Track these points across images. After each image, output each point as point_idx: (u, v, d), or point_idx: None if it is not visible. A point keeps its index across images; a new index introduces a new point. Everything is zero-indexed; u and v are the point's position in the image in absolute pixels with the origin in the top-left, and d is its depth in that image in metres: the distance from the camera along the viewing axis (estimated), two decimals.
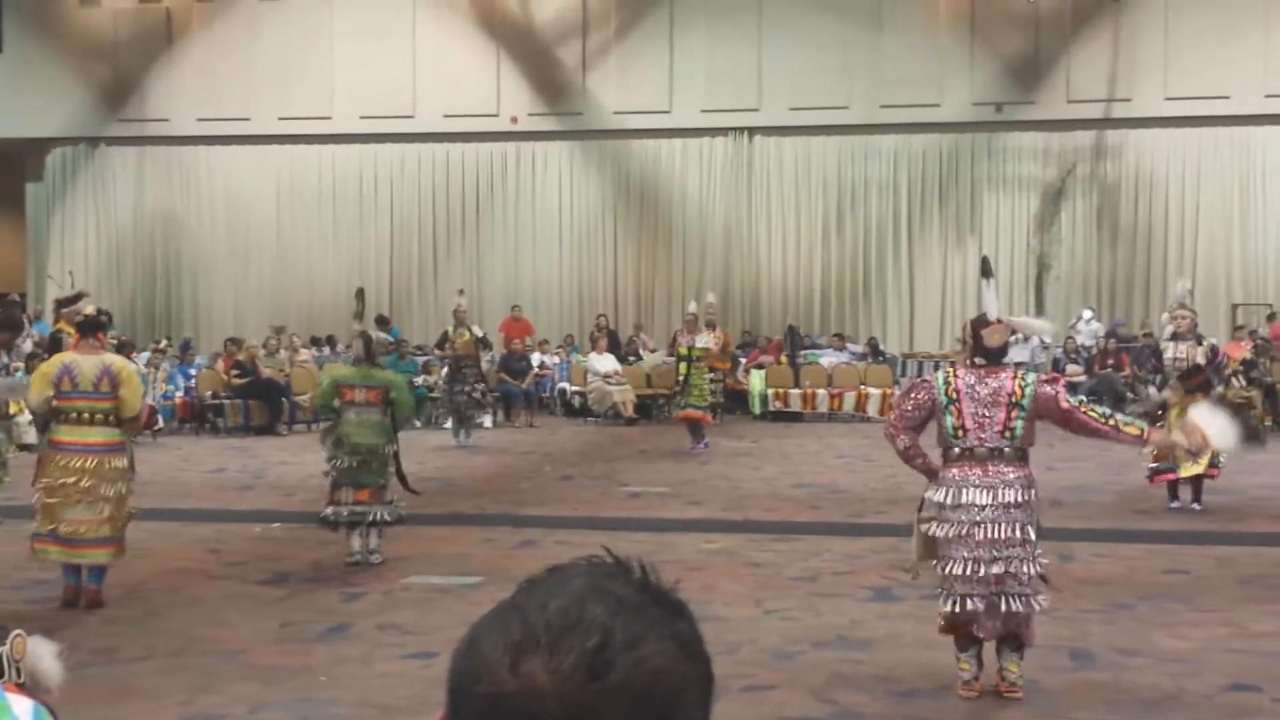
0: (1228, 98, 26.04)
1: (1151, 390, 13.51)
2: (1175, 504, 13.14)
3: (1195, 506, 13.05)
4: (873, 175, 27.87)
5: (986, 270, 8.13)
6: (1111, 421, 7.41)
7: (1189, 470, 12.80)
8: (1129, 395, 23.69)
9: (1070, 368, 24.31)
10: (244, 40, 28.87)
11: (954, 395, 7.11)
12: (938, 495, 7.17)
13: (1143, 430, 7.59)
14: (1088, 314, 26.11)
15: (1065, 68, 26.87)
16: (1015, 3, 26.33)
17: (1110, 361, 24.03)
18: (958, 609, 7.03)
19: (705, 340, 18.50)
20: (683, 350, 18.29)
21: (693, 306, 19.44)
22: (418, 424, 22.28)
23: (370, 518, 10.60)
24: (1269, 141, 26.44)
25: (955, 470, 7.12)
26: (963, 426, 7.07)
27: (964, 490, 7.06)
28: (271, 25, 28.78)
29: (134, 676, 7.51)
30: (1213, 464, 12.69)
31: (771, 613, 9.01)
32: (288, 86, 28.59)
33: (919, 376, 7.59)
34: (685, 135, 28.19)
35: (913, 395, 7.29)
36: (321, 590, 9.77)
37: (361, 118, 28.54)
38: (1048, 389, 7.20)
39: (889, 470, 15.66)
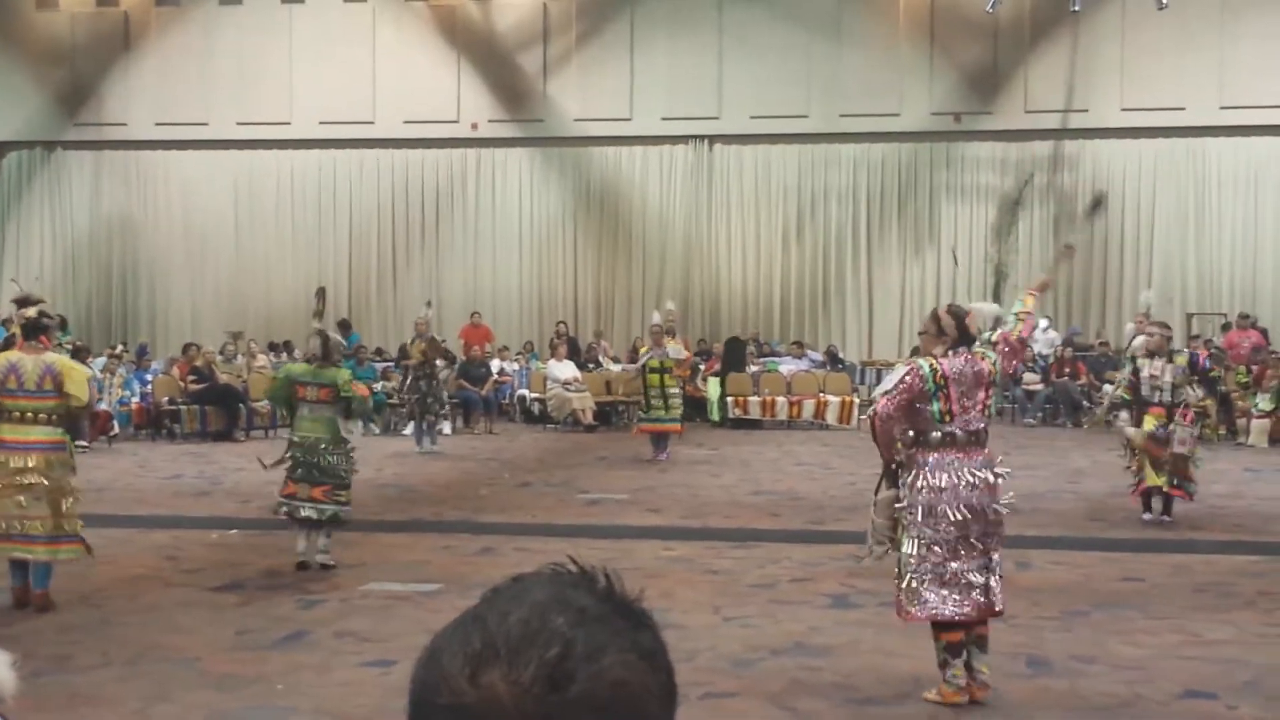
0: (1183, 109, 26.29)
1: (1123, 417, 13.48)
2: (1148, 516, 13.10)
3: (1165, 518, 13.03)
4: (832, 184, 27.98)
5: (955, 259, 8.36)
6: (1017, 329, 7.76)
7: (1154, 480, 12.84)
8: (1085, 403, 23.90)
9: (1027, 376, 24.46)
10: (202, 45, 28.73)
11: (941, 381, 7.24)
12: (921, 480, 7.20)
13: (1021, 315, 7.82)
14: (1044, 323, 26.25)
15: (1023, 78, 27.06)
16: (974, 14, 26.49)
17: (1067, 370, 24.18)
18: (938, 597, 7.08)
19: (676, 351, 18.53)
20: (654, 363, 18.26)
21: (656, 317, 19.43)
22: (374, 426, 22.23)
23: (320, 516, 10.62)
24: (1224, 152, 26.71)
25: (936, 455, 7.22)
26: (949, 411, 7.21)
27: (950, 473, 7.18)
28: (230, 30, 28.64)
29: (89, 684, 7.45)
30: (1177, 485, 12.75)
31: (730, 620, 9.02)
32: (246, 91, 28.47)
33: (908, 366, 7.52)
34: (646, 143, 28.23)
35: (906, 380, 7.30)
36: (278, 597, 9.72)
37: (320, 123, 28.44)
38: (1003, 351, 7.53)
39: (848, 478, 15.74)
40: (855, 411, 23.21)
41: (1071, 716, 6.98)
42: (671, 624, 8.66)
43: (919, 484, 7.21)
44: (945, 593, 7.12)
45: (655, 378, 18.23)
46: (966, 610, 7.13)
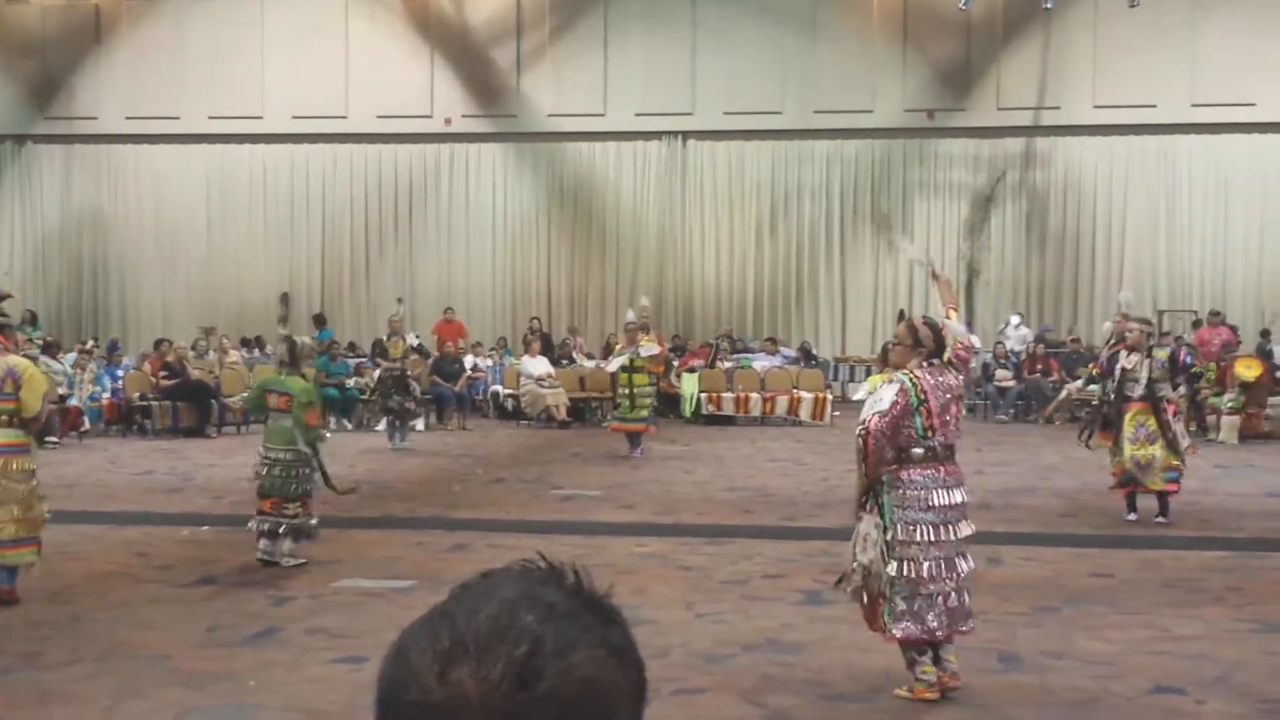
0: (1154, 106, 26.44)
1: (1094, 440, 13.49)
2: (1131, 516, 12.97)
3: (1160, 520, 12.87)
4: (806, 180, 28.04)
5: (911, 254, 8.33)
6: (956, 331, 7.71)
7: (1156, 485, 12.79)
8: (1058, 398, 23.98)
9: (999, 373, 24.56)
10: (173, 39, 28.60)
11: (923, 395, 7.18)
12: (903, 497, 7.18)
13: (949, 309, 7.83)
14: (1015, 319, 26.39)
15: (996, 76, 27.16)
16: (947, 11, 26.57)
17: (1039, 366, 24.28)
18: (925, 617, 7.07)
19: (648, 349, 18.49)
20: (627, 361, 18.26)
21: (631, 315, 19.42)
22: (347, 423, 22.18)
23: (279, 529, 10.59)
24: (1194, 150, 26.86)
25: (920, 472, 7.17)
26: (932, 426, 7.16)
27: (935, 492, 7.16)
28: (201, 24, 28.53)
29: (59, 681, 7.42)
30: (1171, 479, 12.74)
31: (702, 616, 9.03)
32: (218, 85, 28.36)
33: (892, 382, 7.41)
34: (619, 139, 28.23)
35: (899, 400, 7.19)
36: (250, 594, 9.69)
37: (293, 118, 28.36)
38: (959, 363, 7.46)
39: (821, 474, 15.78)
40: (829, 408, 23.26)
41: (1041, 712, 7.01)
42: (644, 620, 8.66)
43: (906, 503, 7.15)
44: (926, 613, 7.10)
45: (625, 376, 18.23)
46: (941, 633, 7.13)
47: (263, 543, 10.67)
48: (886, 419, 7.13)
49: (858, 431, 7.19)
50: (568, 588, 1.16)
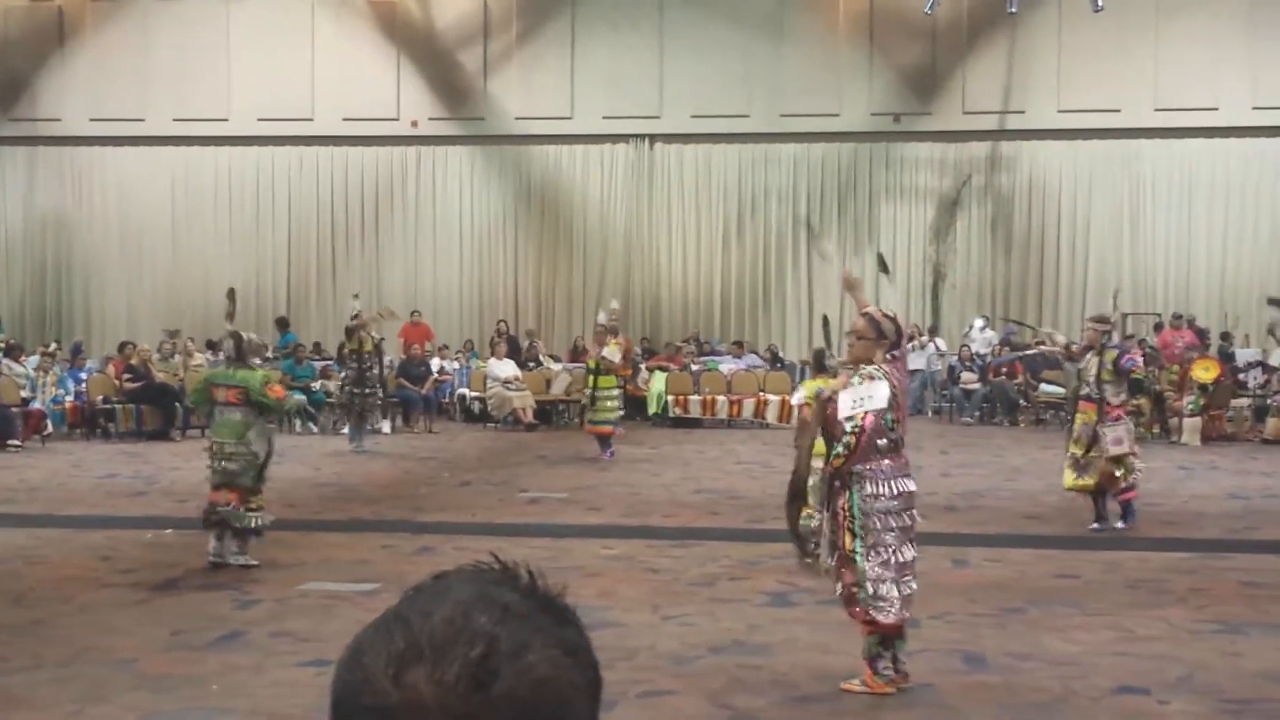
0: (1118, 111, 26.60)
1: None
2: (1095, 526, 12.86)
3: (1120, 525, 12.69)
4: (773, 183, 28.09)
5: (884, 266, 8.36)
6: None
7: (1073, 483, 12.76)
8: (1022, 402, 24.13)
9: (965, 375, 24.66)
10: (138, 40, 28.46)
11: (895, 389, 7.29)
12: (880, 489, 7.24)
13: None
14: (980, 323, 26.49)
15: (961, 80, 27.28)
16: (913, 16, 26.67)
17: (1004, 369, 24.39)
18: (902, 602, 7.17)
19: (611, 353, 18.50)
20: (591, 364, 18.32)
21: (602, 317, 19.43)
22: (313, 426, 22.09)
23: (234, 523, 10.59)
24: (1158, 154, 27.04)
25: (887, 461, 7.28)
26: (899, 419, 7.26)
27: (899, 480, 7.29)
28: (167, 25, 28.39)
29: (22, 686, 7.37)
30: (1129, 487, 12.72)
31: (669, 618, 9.04)
32: (183, 87, 28.23)
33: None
34: (586, 141, 28.23)
35: (894, 398, 7.31)
36: (214, 597, 9.64)
37: (259, 119, 28.25)
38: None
39: (787, 476, 15.78)
40: (795, 411, 23.26)
41: (1006, 712, 7.04)
42: (611, 622, 8.67)
43: (878, 493, 7.22)
44: (899, 597, 7.20)
45: (590, 379, 18.29)
46: (908, 614, 7.26)
47: (212, 545, 10.66)
48: (877, 415, 7.20)
49: (849, 428, 7.17)
50: (522, 588, 1.15)
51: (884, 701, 7.17)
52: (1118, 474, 12.57)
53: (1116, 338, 14.69)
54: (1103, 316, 13.75)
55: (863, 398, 7.22)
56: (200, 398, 11.31)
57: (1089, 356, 12.89)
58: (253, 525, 10.75)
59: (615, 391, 18.68)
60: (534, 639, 1.10)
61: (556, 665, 1.10)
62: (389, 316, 21.67)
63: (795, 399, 11.04)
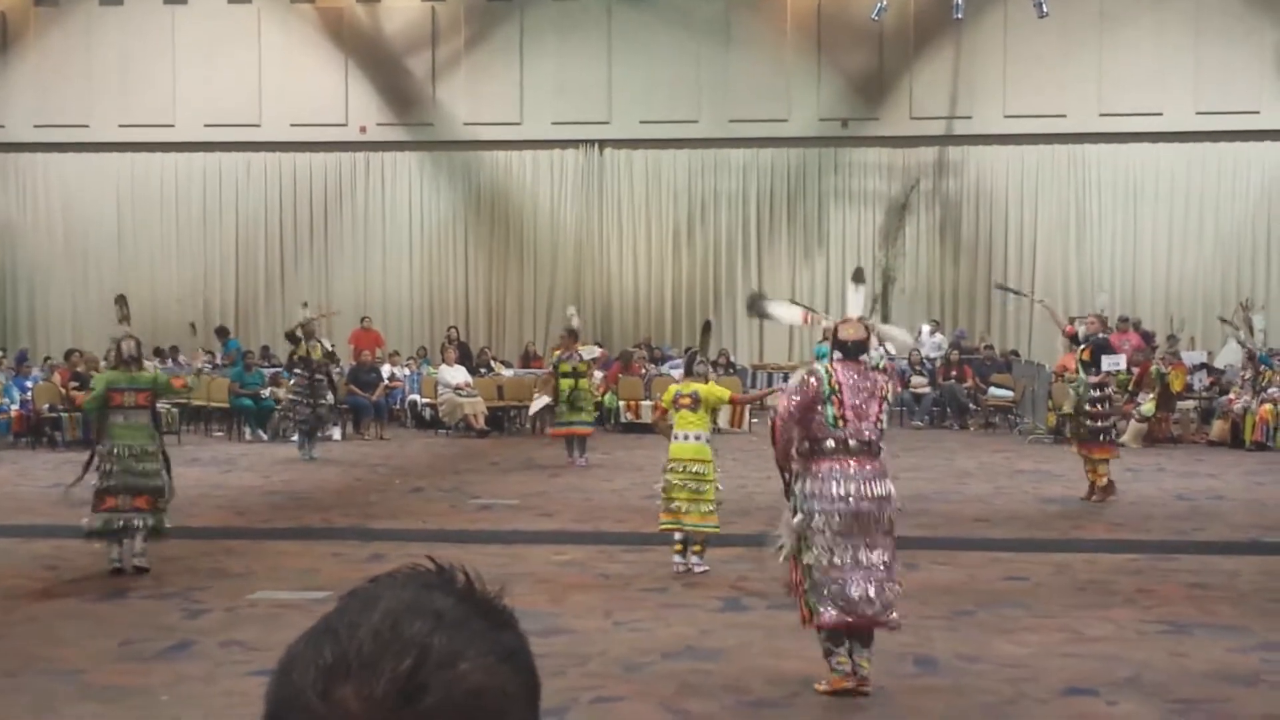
0: (1064, 116, 26.83)
1: None
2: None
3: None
4: (722, 188, 28.15)
5: (859, 277, 8.44)
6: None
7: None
8: (972, 406, 24.28)
9: (915, 379, 24.79)
10: (83, 46, 28.21)
11: (836, 386, 7.37)
12: (813, 487, 7.32)
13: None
14: (927, 328, 26.63)
15: (908, 85, 27.44)
16: (860, 21, 26.79)
17: (954, 373, 24.54)
18: (839, 602, 7.20)
19: (589, 352, 18.57)
20: (566, 367, 18.27)
21: (575, 322, 19.39)
22: (263, 433, 21.95)
23: (138, 523, 10.54)
24: (1103, 159, 27.28)
25: (829, 463, 7.34)
26: (843, 417, 7.31)
27: (839, 483, 7.31)
28: (112, 31, 28.15)
29: None
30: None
31: (621, 624, 9.04)
32: (128, 93, 28.01)
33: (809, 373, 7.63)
34: (536, 147, 28.20)
35: (804, 386, 7.42)
36: (163, 607, 9.57)
37: (205, 125, 28.05)
38: (893, 381, 7.64)
39: (739, 481, 15.84)
40: (747, 415, 23.33)
41: (956, 715, 7.09)
42: (562, 628, 8.67)
43: (814, 493, 7.32)
44: (839, 599, 7.23)
45: (568, 382, 18.23)
46: (849, 620, 7.27)
47: (115, 550, 10.61)
48: (792, 401, 7.39)
49: (769, 416, 7.47)
50: (457, 591, 1.13)
51: (837, 704, 7.20)
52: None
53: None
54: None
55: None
56: (98, 405, 10.99)
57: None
58: (167, 526, 10.74)
59: (589, 392, 18.79)
60: (467, 647, 1.07)
61: (490, 673, 1.08)
62: (329, 314, 21.43)
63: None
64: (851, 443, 7.37)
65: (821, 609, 7.28)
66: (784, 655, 7.96)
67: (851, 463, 7.36)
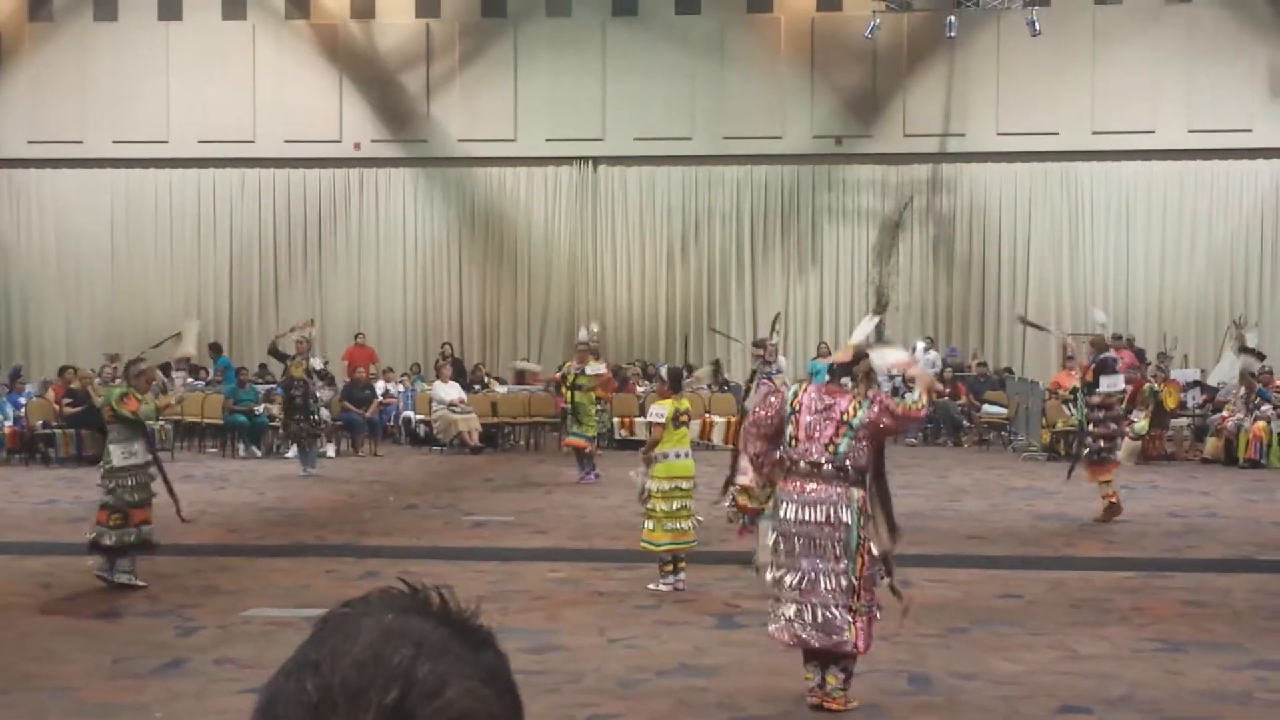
0: (1057, 134, 26.89)
1: None
2: None
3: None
4: (716, 205, 28.18)
5: (880, 307, 8.59)
6: (916, 405, 7.85)
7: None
8: (965, 423, 24.30)
9: (908, 396, 24.77)
10: (77, 62, 28.21)
11: (797, 407, 7.40)
12: (776, 508, 7.56)
13: (919, 401, 7.95)
14: (922, 344, 26.64)
15: (901, 103, 27.49)
16: (853, 39, 26.85)
17: (947, 390, 24.54)
18: (779, 621, 7.28)
19: (594, 368, 18.62)
20: (570, 379, 18.33)
21: (583, 334, 19.49)
22: (256, 450, 21.92)
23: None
24: (1096, 176, 27.34)
25: (786, 484, 7.48)
26: (796, 437, 7.36)
27: (785, 504, 7.44)
28: (106, 47, 28.17)
29: None
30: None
31: (616, 641, 9.03)
32: (123, 109, 28.00)
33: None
34: (530, 164, 28.22)
35: (764, 402, 7.56)
36: (156, 624, 9.55)
37: (200, 142, 28.05)
38: (875, 407, 7.46)
39: (732, 498, 15.81)
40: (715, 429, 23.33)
41: None
42: (557, 646, 8.66)
43: (774, 512, 7.51)
44: (794, 620, 7.29)
45: (570, 394, 18.31)
46: (786, 640, 7.31)
47: (103, 562, 10.65)
48: (759, 410, 7.65)
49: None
50: (435, 614, 1.12)
51: None
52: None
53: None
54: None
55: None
56: (152, 414, 11.57)
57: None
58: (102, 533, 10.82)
59: (595, 409, 18.90)
60: (451, 672, 1.07)
61: (476, 696, 1.07)
62: (301, 327, 21.28)
63: (654, 415, 11.23)
64: (801, 464, 7.40)
65: (771, 625, 7.41)
66: (778, 673, 7.95)
67: (797, 484, 7.38)
